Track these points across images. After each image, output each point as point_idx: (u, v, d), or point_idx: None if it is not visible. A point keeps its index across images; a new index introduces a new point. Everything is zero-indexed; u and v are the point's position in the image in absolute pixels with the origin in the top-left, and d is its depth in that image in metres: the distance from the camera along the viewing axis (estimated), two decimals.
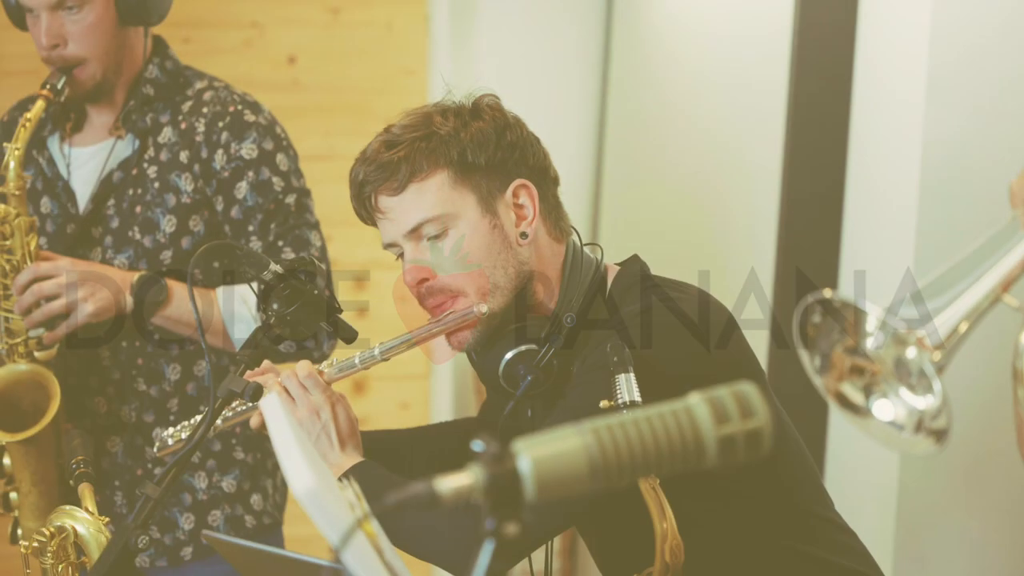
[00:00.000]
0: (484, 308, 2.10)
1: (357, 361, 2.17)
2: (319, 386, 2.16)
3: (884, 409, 1.40)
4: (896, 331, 1.35)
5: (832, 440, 3.10)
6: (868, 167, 2.97)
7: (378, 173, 2.12)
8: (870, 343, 1.38)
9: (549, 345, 2.11)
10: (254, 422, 2.21)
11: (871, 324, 1.36)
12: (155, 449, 2.37)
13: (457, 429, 2.46)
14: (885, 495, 2.85)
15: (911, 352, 1.35)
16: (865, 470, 2.96)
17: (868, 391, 1.41)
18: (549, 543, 2.19)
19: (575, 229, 2.24)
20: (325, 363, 2.21)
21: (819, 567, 2.09)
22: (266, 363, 2.24)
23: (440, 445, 2.41)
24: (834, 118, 3.05)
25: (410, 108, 2.20)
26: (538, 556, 2.20)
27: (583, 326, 2.13)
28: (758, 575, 2.08)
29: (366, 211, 2.18)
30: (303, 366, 2.18)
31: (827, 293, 1.38)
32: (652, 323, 2.02)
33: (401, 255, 2.17)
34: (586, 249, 2.22)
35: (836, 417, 3.09)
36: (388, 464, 2.33)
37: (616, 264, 2.23)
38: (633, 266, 2.21)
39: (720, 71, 3.69)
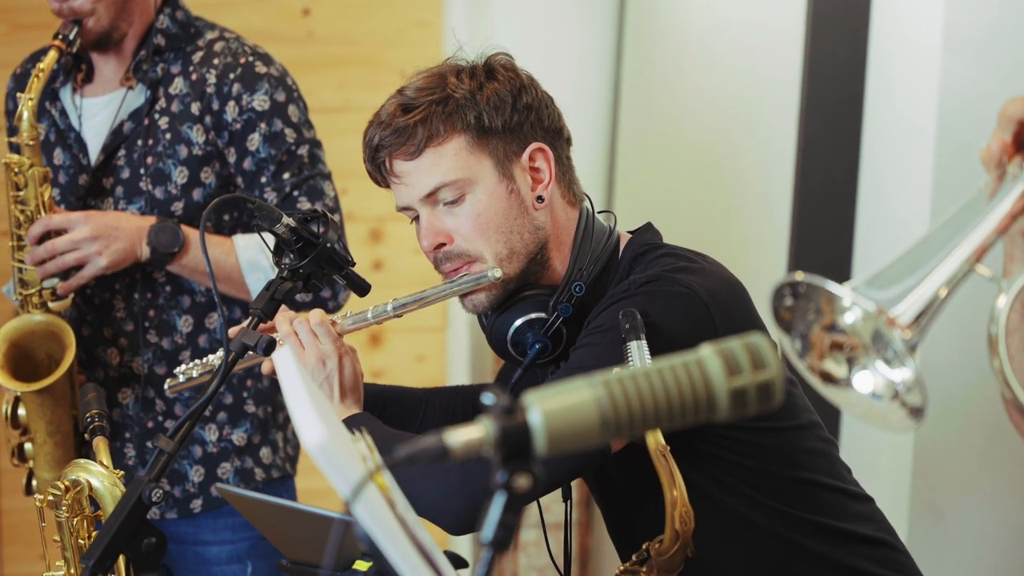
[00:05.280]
0: (498, 273, 2.10)
1: (370, 315, 2.17)
2: (330, 335, 2.16)
3: (864, 381, 1.40)
4: (866, 311, 1.34)
5: None
6: (884, 129, 2.94)
7: (394, 137, 2.10)
8: (847, 318, 1.37)
9: (558, 314, 2.11)
10: (266, 367, 2.21)
11: (846, 302, 1.36)
12: (167, 387, 2.38)
13: (473, 392, 2.45)
14: (901, 453, 2.85)
15: (885, 329, 1.34)
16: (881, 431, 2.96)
17: (850, 364, 1.40)
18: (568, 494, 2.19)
19: (588, 196, 2.23)
20: (339, 314, 2.21)
21: (828, 535, 2.09)
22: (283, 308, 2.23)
23: (454, 404, 2.41)
24: (850, 77, 3.03)
25: (422, 67, 2.18)
26: (557, 507, 2.20)
27: (593, 294, 2.12)
28: (763, 545, 2.07)
29: (380, 175, 2.17)
30: (316, 314, 2.18)
31: (798, 276, 1.37)
32: (658, 293, 2.00)
33: (415, 219, 2.16)
34: (600, 216, 2.21)
35: None
36: (400, 418, 2.33)
37: (629, 232, 2.22)
38: (644, 234, 2.19)
39: (735, 32, 3.66)
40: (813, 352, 1.41)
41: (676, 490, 1.88)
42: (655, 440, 1.89)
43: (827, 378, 1.42)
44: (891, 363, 1.37)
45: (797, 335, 1.41)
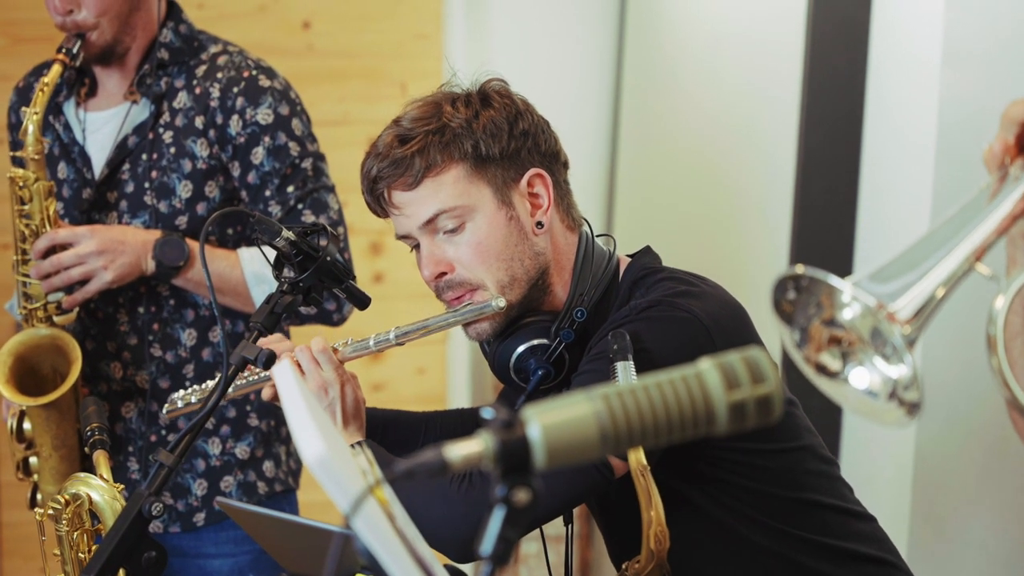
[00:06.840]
0: (502, 303, 2.09)
1: (372, 343, 2.17)
2: (331, 363, 2.16)
3: (860, 377, 1.41)
4: (866, 306, 1.35)
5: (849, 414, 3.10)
6: (884, 143, 2.95)
7: (391, 169, 2.10)
8: (846, 314, 1.38)
9: (560, 340, 2.11)
10: (266, 393, 2.21)
11: (846, 296, 1.37)
12: (164, 411, 2.38)
13: (474, 414, 2.45)
14: (902, 466, 2.85)
15: (884, 323, 1.35)
16: (882, 441, 2.96)
17: (845, 359, 1.41)
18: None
19: (586, 220, 2.23)
20: (340, 341, 2.21)
21: (830, 555, 2.09)
22: (278, 335, 2.24)
23: (455, 427, 2.41)
24: (850, 91, 3.03)
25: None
26: (557, 519, 2.20)
27: (594, 320, 2.12)
28: (765, 565, 2.07)
29: (379, 206, 2.17)
30: (317, 341, 2.18)
31: (799, 269, 1.39)
32: (659, 318, 2.00)
33: (416, 247, 2.16)
34: (599, 240, 2.21)
35: None
36: (401, 441, 2.33)
37: (628, 256, 2.22)
38: (644, 258, 2.19)
39: (735, 48, 3.67)
40: (811, 344, 1.42)
41: (653, 510, 1.89)
42: (636, 459, 1.89)
43: (822, 370, 1.43)
44: (889, 359, 1.38)
45: (797, 327, 1.42)
